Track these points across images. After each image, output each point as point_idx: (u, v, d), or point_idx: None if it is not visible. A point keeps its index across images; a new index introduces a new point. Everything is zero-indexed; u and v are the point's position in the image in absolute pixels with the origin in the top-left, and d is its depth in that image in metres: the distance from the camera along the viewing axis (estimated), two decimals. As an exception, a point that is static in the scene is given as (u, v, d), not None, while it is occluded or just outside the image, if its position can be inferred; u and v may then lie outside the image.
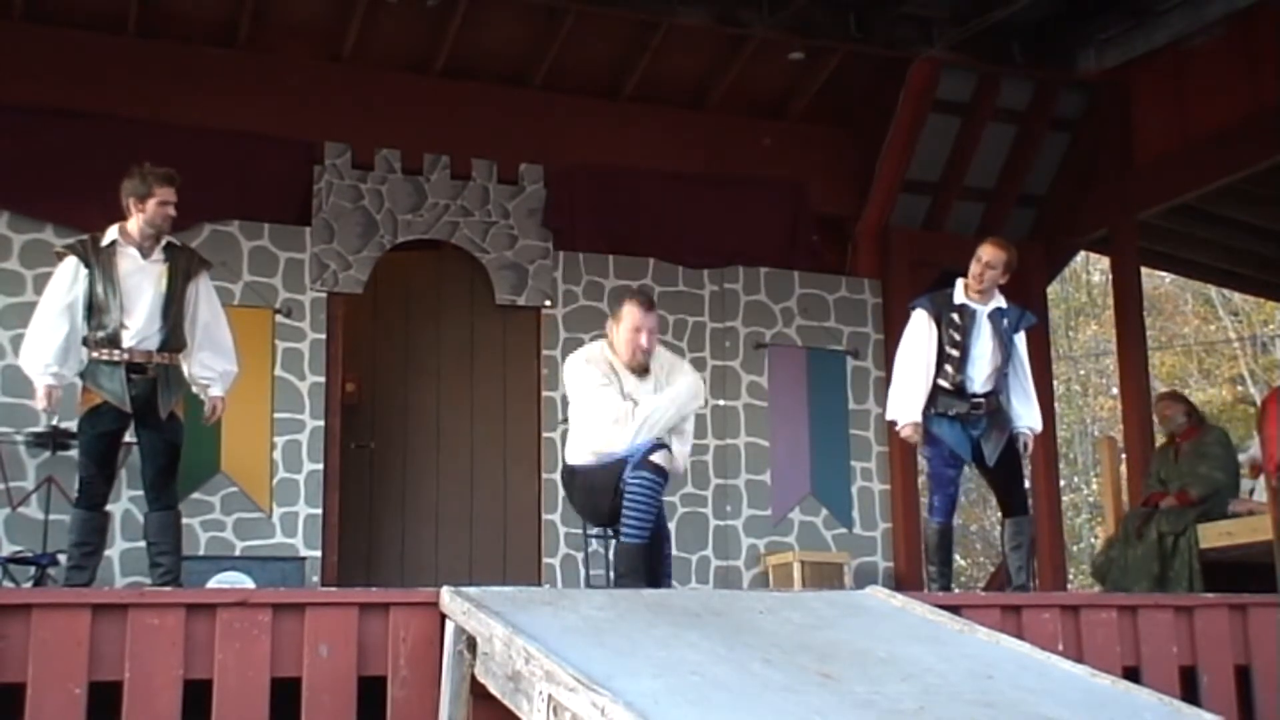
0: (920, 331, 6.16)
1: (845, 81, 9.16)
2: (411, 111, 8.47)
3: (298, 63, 8.35)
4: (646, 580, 5.47)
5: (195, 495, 7.47)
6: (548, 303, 8.53)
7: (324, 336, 8.01)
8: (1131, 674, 4.85)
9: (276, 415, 7.81)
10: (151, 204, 5.32)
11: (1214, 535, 7.47)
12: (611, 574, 5.91)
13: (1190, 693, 5.01)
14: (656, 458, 5.44)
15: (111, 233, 5.36)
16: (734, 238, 8.99)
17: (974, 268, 6.12)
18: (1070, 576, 12.91)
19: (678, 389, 5.68)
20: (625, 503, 5.42)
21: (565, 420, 5.81)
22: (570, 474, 5.80)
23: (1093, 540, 19.30)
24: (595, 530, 6.01)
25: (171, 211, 5.38)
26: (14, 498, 7.14)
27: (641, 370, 5.69)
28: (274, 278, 7.96)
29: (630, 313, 5.65)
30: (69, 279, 5.30)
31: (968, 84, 9.11)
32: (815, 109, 9.37)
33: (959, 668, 4.02)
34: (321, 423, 7.91)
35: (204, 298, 5.52)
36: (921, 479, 9.09)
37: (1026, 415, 6.17)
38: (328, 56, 8.40)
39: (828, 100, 9.31)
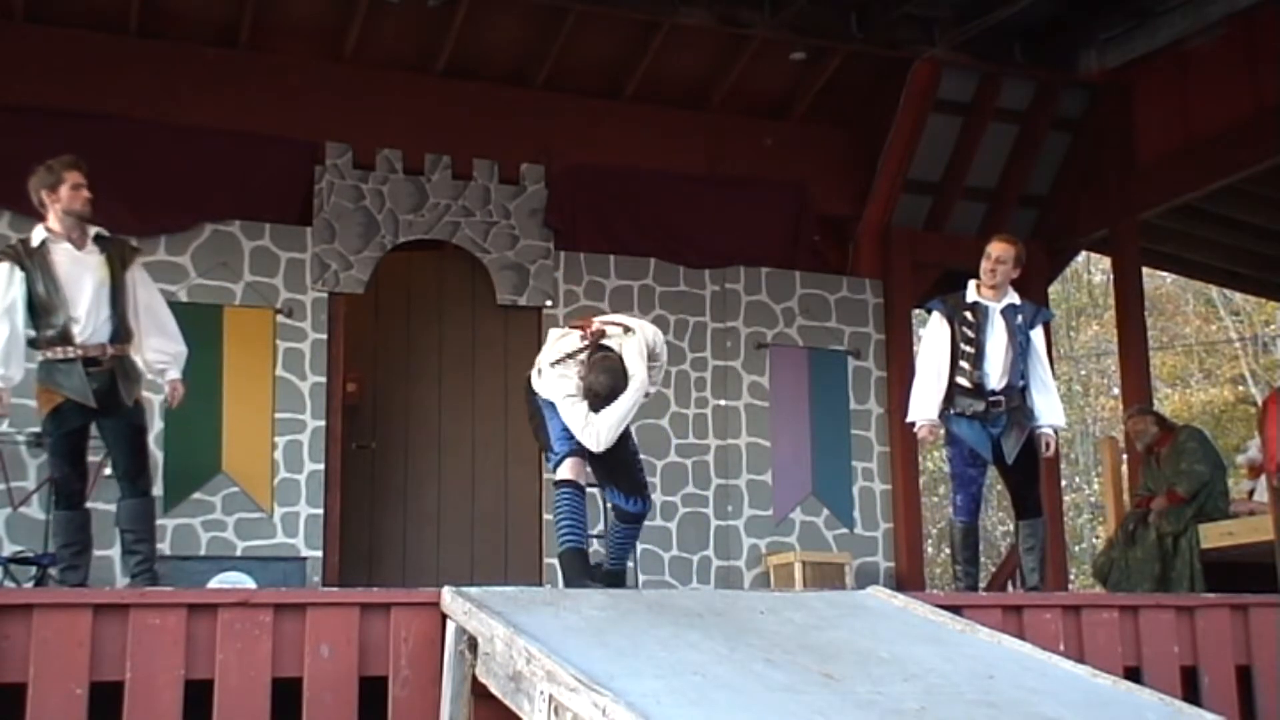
0: (935, 333, 6.21)
1: (846, 82, 9.15)
2: (413, 111, 8.47)
3: (299, 63, 8.34)
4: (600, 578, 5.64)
5: (196, 495, 7.49)
6: (549, 303, 8.52)
7: (325, 337, 8.02)
8: (1133, 674, 4.86)
9: (278, 415, 7.82)
10: (65, 190, 5.26)
11: (1215, 535, 7.48)
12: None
13: (1192, 693, 5.01)
14: (566, 472, 5.55)
15: (39, 233, 5.29)
16: (735, 238, 8.99)
17: (984, 264, 6.17)
18: (1071, 577, 12.91)
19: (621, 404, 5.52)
20: (555, 516, 5.62)
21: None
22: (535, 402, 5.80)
23: (1094, 540, 19.29)
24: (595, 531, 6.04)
25: (86, 194, 5.30)
26: (15, 498, 7.14)
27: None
28: (275, 278, 7.96)
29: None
30: (4, 282, 5.20)
31: (969, 84, 9.11)
32: (816, 109, 9.37)
33: (961, 668, 4.02)
34: (323, 423, 7.91)
35: (141, 284, 5.45)
36: (923, 479, 9.09)
37: (1048, 411, 6.17)
38: (329, 56, 8.39)
39: (829, 100, 9.30)
